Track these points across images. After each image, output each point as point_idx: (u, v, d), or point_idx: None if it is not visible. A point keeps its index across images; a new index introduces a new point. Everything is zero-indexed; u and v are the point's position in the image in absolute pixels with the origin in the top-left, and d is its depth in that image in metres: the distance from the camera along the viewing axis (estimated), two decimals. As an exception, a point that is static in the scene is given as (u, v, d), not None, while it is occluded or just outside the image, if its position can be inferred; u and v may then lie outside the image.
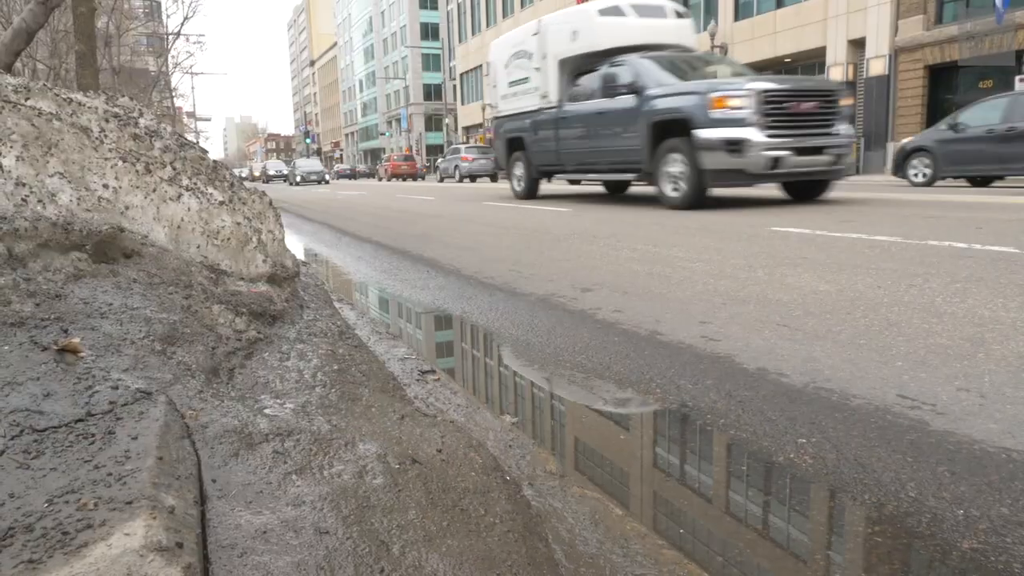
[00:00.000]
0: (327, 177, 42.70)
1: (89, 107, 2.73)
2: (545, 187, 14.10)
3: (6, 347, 1.44)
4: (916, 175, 13.80)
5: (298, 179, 40.49)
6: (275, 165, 55.26)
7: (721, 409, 2.20)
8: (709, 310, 3.41)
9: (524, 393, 2.52)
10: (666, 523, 1.57)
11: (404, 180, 42.64)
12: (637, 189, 14.19)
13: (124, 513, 0.91)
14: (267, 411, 1.54)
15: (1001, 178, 13.47)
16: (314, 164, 43.87)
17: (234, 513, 1.07)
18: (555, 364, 2.79)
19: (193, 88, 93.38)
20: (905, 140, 15.03)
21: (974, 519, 1.48)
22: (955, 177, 13.50)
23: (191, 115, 50.07)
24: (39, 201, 2.03)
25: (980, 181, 13.56)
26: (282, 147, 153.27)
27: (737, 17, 29.13)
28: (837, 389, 2.26)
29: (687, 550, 1.44)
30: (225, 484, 1.17)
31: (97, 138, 2.48)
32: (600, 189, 15.39)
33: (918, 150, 13.81)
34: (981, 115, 12.74)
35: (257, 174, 60.48)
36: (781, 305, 3.42)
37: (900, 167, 14.28)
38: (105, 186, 2.33)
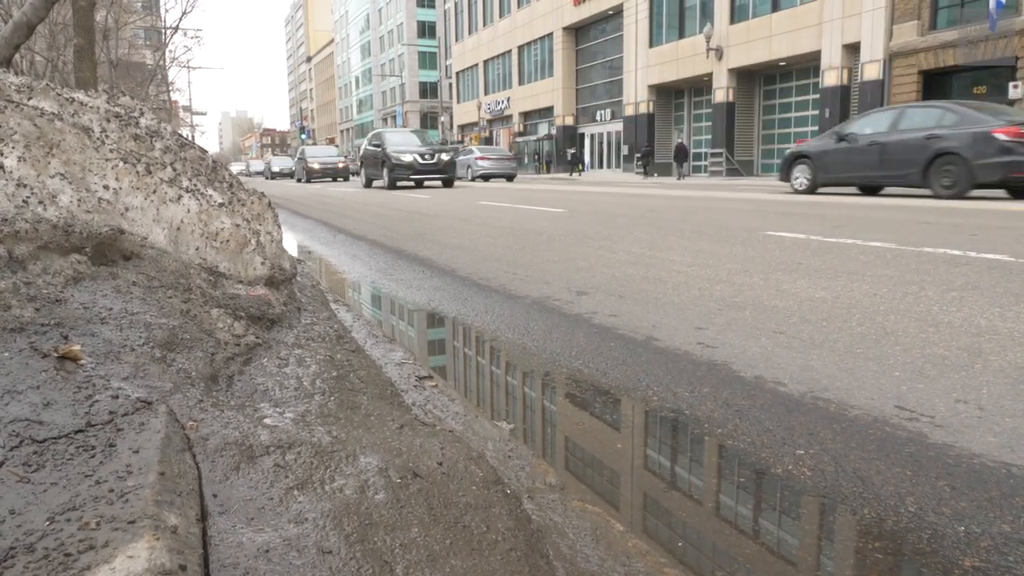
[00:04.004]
0: (346, 168, 31.33)
1: (91, 107, 2.71)
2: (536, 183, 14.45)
3: (6, 354, 1.43)
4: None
5: (305, 173, 29.82)
6: (281, 162, 45.47)
7: (718, 418, 2.20)
8: (705, 316, 3.41)
9: (521, 399, 2.51)
10: (666, 537, 1.57)
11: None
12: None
13: (127, 533, 0.90)
14: (267, 421, 1.53)
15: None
16: (329, 151, 32.76)
17: (236, 531, 1.06)
18: (551, 369, 2.79)
19: (190, 83, 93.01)
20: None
21: (975, 536, 1.48)
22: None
23: (187, 109, 49.82)
24: (40, 202, 2.02)
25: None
26: (277, 142, 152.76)
27: (733, 20, 29.18)
28: (835, 399, 2.26)
29: (688, 566, 1.43)
30: (226, 499, 1.16)
31: (98, 138, 2.46)
32: (600, 190, 15.95)
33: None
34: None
35: (259, 170, 50.93)
36: (777, 312, 3.42)
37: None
38: (106, 187, 2.31)
